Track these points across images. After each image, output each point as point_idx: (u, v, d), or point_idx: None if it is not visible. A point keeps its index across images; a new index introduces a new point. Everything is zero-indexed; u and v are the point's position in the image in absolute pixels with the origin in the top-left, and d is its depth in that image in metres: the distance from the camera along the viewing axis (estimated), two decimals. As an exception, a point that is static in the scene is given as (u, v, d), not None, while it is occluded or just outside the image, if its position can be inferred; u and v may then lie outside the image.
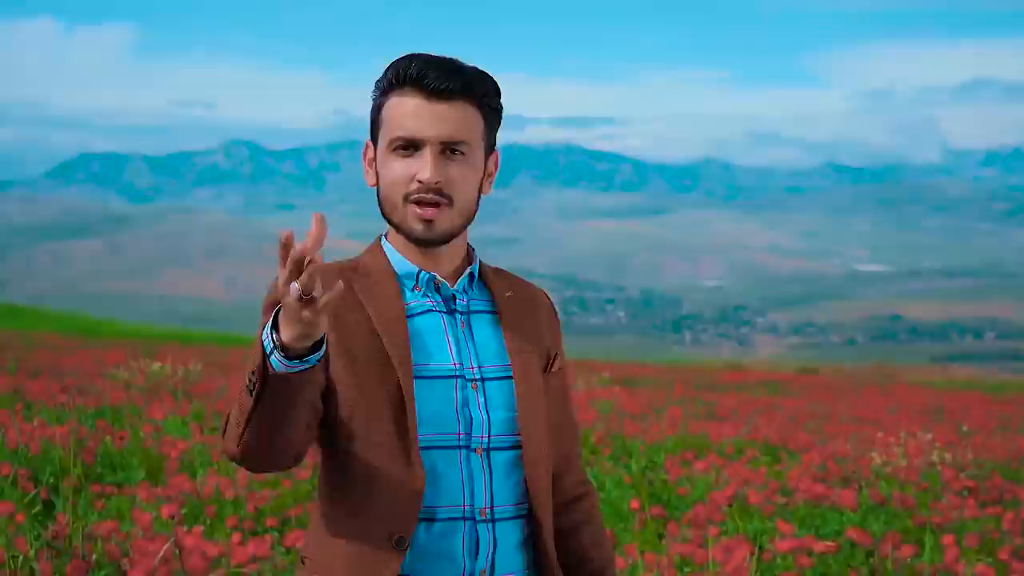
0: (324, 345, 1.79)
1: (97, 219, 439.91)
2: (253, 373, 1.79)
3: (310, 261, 1.63)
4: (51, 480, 7.52)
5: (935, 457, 10.30)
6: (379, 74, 2.05)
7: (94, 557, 4.39)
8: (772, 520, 6.77)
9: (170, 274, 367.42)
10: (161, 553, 4.00)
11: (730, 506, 7.12)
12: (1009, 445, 14.17)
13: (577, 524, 2.27)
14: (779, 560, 5.65)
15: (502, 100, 2.12)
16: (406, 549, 1.97)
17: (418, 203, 2.01)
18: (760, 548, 5.98)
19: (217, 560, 4.37)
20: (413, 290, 2.10)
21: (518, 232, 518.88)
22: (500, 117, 2.15)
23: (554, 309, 2.29)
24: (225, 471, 8.36)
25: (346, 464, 2.01)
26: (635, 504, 7.23)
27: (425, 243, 2.06)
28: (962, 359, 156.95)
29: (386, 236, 2.16)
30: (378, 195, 2.09)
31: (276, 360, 1.76)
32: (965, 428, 17.71)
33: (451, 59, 2.08)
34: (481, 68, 2.09)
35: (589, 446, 11.26)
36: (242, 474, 7.79)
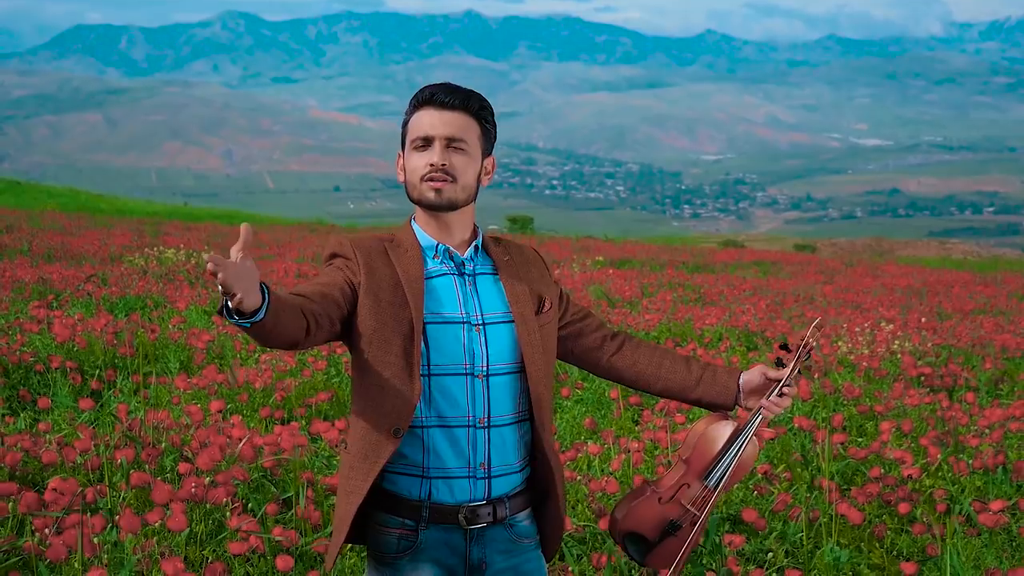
0: (262, 314, 2.46)
1: (94, 92, 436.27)
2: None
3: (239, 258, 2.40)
4: (96, 372, 8.38)
5: (896, 346, 11.15)
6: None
7: (163, 445, 5.27)
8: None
9: (168, 147, 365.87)
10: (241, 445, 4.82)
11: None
12: (976, 330, 14.80)
13: (632, 358, 3.11)
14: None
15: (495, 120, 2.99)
16: (400, 437, 2.78)
17: (431, 180, 2.82)
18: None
19: (260, 448, 5.25)
20: (433, 258, 2.92)
21: (517, 105, 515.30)
22: (495, 133, 2.99)
23: (543, 259, 3.13)
24: (249, 362, 9.25)
25: (366, 375, 2.83)
26: (614, 394, 8.09)
27: (436, 208, 2.86)
28: (960, 233, 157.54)
29: (414, 218, 2.97)
30: (405, 184, 2.90)
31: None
32: (941, 311, 18.54)
33: (458, 85, 2.91)
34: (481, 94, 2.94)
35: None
36: (267, 365, 8.67)
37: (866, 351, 10.91)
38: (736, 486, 5.51)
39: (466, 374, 2.83)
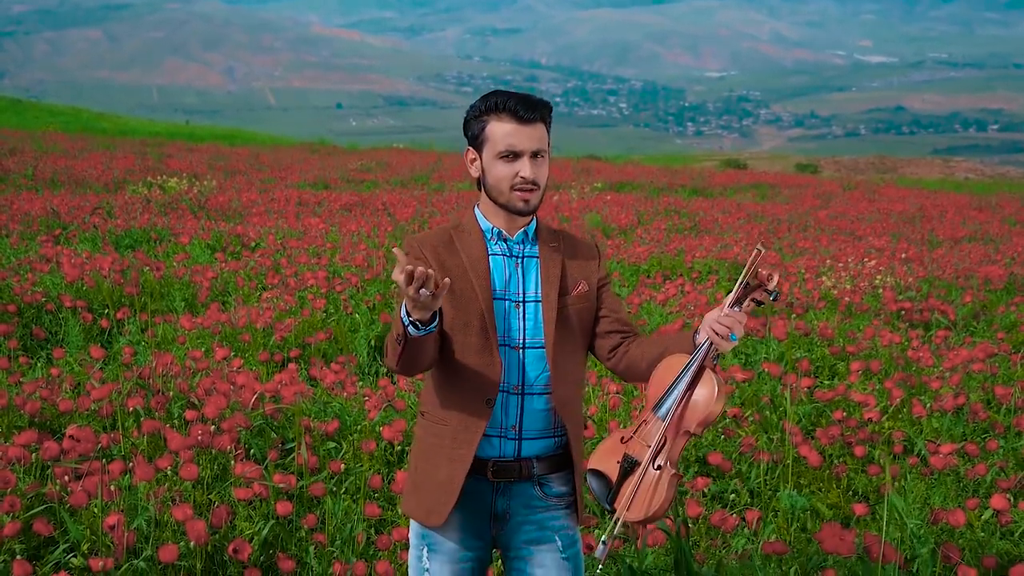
0: (438, 318, 2.99)
1: (94, 8, 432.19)
2: (399, 336, 3.01)
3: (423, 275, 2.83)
4: (105, 311, 8.73)
5: (878, 281, 11.46)
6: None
7: (171, 394, 5.63)
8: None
9: (169, 64, 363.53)
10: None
11: (678, 336, 8.29)
12: (963, 260, 15.07)
13: (626, 349, 3.36)
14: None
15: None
16: (492, 406, 3.19)
17: (520, 190, 3.20)
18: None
19: (261, 395, 5.60)
20: (490, 240, 3.31)
21: (519, 22, 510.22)
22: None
23: (598, 253, 3.44)
24: (252, 300, 9.59)
25: (453, 356, 3.22)
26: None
27: (522, 215, 3.25)
28: (965, 151, 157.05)
29: (478, 205, 3.35)
30: (485, 185, 3.27)
31: (412, 329, 2.97)
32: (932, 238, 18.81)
33: (529, 94, 3.27)
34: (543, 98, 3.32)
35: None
36: (268, 304, 9.02)
37: (849, 286, 11.21)
38: (706, 430, 5.87)
39: (504, 345, 3.22)
